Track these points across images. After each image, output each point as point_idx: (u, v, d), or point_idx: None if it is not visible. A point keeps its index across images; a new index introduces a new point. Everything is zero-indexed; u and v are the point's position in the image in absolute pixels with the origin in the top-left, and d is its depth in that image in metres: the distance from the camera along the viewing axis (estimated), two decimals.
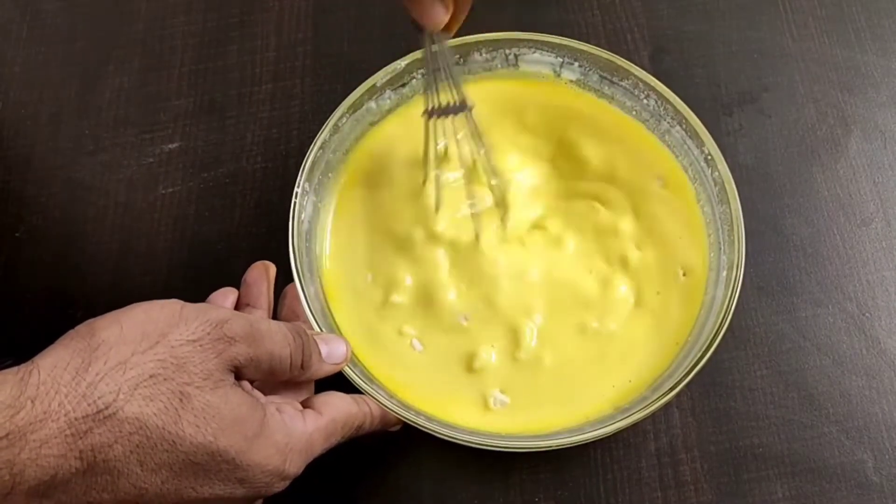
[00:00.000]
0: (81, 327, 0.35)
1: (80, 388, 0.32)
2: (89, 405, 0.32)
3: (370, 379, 0.44)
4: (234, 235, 0.53)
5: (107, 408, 0.32)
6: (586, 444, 0.42)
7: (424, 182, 0.50)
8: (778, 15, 0.60)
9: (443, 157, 0.50)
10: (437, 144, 0.49)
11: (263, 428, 0.36)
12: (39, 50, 0.60)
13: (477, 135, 0.47)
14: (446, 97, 0.46)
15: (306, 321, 0.44)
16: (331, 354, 0.42)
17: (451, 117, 0.46)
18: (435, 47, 0.43)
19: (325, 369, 0.42)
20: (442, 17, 0.40)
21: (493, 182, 0.49)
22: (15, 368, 0.32)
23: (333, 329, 0.46)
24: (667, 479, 0.46)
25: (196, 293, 0.51)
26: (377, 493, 0.46)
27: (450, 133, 0.48)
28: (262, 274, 0.47)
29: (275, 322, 0.40)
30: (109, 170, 0.56)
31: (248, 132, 0.57)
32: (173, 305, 0.36)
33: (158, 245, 0.53)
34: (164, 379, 0.34)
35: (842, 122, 0.56)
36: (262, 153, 0.56)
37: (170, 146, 0.56)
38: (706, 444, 0.47)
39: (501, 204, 0.49)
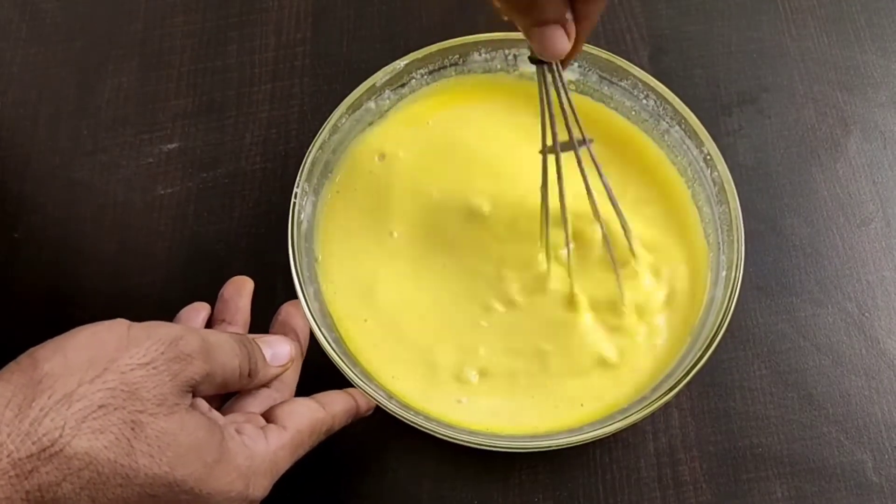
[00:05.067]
0: (23, 359, 0.33)
1: (24, 426, 0.30)
2: (33, 443, 0.30)
3: (370, 379, 0.44)
4: (233, 236, 0.53)
5: (52, 444, 0.30)
6: (585, 444, 0.42)
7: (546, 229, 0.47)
8: (777, 15, 0.60)
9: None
10: (557, 178, 0.45)
11: (223, 452, 0.35)
12: (38, 50, 0.60)
13: (596, 170, 0.44)
14: (563, 132, 0.43)
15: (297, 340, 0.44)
16: (275, 356, 0.41)
17: (570, 153, 0.43)
18: (551, 80, 0.41)
19: (272, 373, 0.41)
20: (565, 46, 0.36)
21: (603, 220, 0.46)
22: None
23: (334, 329, 0.46)
24: (666, 480, 0.46)
25: (195, 294, 0.51)
26: (377, 494, 0.46)
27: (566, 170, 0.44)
28: (238, 289, 0.46)
29: (222, 333, 0.39)
30: (108, 170, 0.56)
31: (248, 132, 0.57)
32: (119, 327, 0.34)
33: (157, 245, 0.53)
34: (115, 408, 0.32)
35: (841, 122, 0.56)
36: (261, 153, 0.56)
37: (169, 146, 0.56)
38: (705, 445, 0.47)
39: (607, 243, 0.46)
